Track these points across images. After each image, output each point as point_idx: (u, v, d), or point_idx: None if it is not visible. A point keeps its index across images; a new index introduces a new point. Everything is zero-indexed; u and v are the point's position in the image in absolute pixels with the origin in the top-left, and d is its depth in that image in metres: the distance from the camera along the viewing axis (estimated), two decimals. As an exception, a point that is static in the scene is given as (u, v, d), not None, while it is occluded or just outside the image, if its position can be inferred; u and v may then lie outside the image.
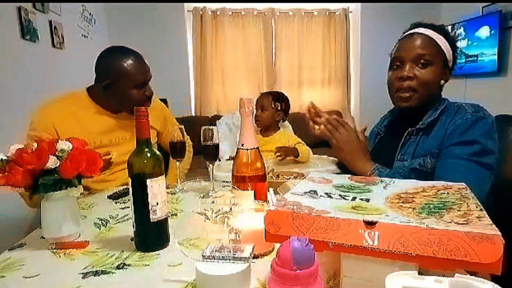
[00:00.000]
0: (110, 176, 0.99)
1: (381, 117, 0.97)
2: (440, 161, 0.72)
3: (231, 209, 0.49)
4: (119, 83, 0.95)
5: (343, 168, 0.96)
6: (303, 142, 1.42)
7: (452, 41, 0.77)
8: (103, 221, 0.70)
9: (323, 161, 1.33)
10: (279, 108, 1.55)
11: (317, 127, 0.81)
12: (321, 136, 0.80)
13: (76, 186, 0.59)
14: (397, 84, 0.76)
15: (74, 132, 0.93)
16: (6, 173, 0.54)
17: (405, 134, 0.79)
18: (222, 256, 0.43)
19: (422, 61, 0.74)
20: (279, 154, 1.31)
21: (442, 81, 0.77)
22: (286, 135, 1.52)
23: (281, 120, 1.59)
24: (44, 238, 0.60)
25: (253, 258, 0.48)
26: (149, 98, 1.01)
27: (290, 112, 1.63)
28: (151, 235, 0.56)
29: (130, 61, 0.95)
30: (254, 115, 1.50)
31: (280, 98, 1.57)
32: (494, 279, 0.34)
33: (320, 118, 0.80)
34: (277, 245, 0.38)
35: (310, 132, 0.82)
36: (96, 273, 0.49)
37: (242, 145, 0.62)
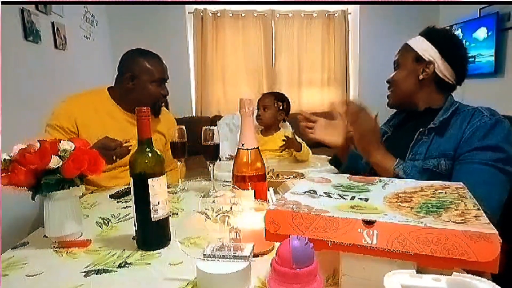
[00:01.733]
0: (121, 174, 1.01)
1: (390, 116, 0.96)
2: (461, 165, 0.70)
3: (231, 208, 0.49)
4: (140, 76, 1.04)
5: (337, 164, 0.96)
6: (303, 142, 1.43)
7: (436, 37, 0.79)
8: (105, 220, 0.71)
9: (323, 161, 1.34)
10: (280, 107, 1.57)
11: (310, 130, 0.85)
12: (317, 138, 0.84)
13: (78, 186, 0.60)
14: None
15: (92, 125, 0.99)
16: (9, 173, 0.55)
17: (417, 134, 0.78)
18: (223, 255, 0.44)
19: (395, 65, 0.85)
20: (283, 144, 1.36)
21: (420, 76, 0.79)
22: (287, 133, 1.54)
23: (282, 120, 1.61)
24: (47, 237, 0.60)
25: (253, 256, 0.48)
26: (164, 96, 1.08)
27: (290, 112, 1.66)
28: (152, 234, 0.56)
29: (151, 59, 1.07)
30: (256, 114, 1.51)
31: (282, 98, 1.59)
32: (494, 279, 0.35)
33: (313, 122, 0.84)
34: (277, 244, 0.38)
35: (306, 137, 0.88)
36: (98, 272, 0.49)
37: (243, 145, 0.63)
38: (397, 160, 0.74)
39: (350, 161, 0.92)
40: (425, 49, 0.79)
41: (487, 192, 0.64)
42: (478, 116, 0.72)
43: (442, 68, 0.78)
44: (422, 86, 0.80)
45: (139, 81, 1.04)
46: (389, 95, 0.86)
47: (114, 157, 0.89)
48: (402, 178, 0.68)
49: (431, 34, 0.80)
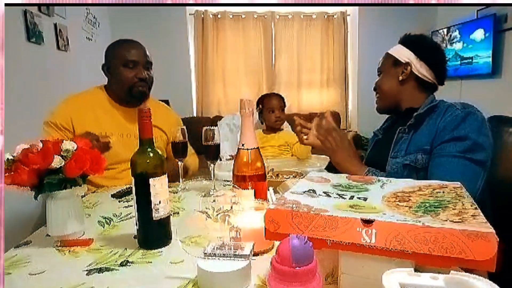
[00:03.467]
0: (119, 175, 1.01)
1: (384, 121, 1.00)
2: (434, 159, 0.74)
3: (231, 207, 0.50)
4: (112, 62, 1.03)
5: (333, 171, 0.98)
6: None
7: (409, 41, 0.85)
8: (106, 219, 0.71)
9: (322, 161, 1.34)
10: (284, 107, 1.62)
11: (305, 136, 0.88)
12: (312, 143, 0.87)
13: (80, 185, 0.60)
14: None
15: (87, 122, 0.99)
16: (12, 173, 0.55)
17: (397, 132, 0.83)
18: (223, 254, 0.44)
19: (378, 72, 0.91)
20: (285, 141, 1.44)
21: (400, 77, 0.84)
22: (288, 133, 1.57)
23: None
24: (49, 236, 0.61)
25: (253, 255, 0.49)
26: (141, 80, 1.02)
27: (289, 113, 1.71)
28: (153, 233, 0.57)
29: (122, 42, 1.05)
30: (274, 116, 1.55)
31: (283, 98, 1.65)
32: (490, 277, 0.35)
33: (308, 128, 0.88)
34: (277, 243, 0.39)
35: (300, 141, 0.90)
36: (100, 270, 0.50)
37: (243, 145, 0.63)
38: (367, 169, 0.80)
39: None
40: (401, 53, 0.85)
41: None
42: (450, 110, 0.76)
43: (419, 68, 0.82)
44: (403, 86, 0.85)
45: (112, 68, 1.02)
46: (376, 101, 0.91)
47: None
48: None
49: (406, 40, 0.86)
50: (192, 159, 1.14)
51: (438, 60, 0.84)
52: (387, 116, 0.98)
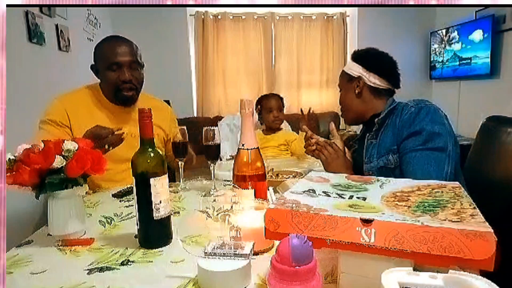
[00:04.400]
0: (117, 176, 1.00)
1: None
2: (402, 158, 0.79)
3: (232, 207, 0.50)
4: (98, 65, 1.00)
5: None
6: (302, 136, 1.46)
7: (356, 57, 0.92)
8: (108, 219, 0.72)
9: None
10: (284, 106, 1.64)
11: (310, 147, 0.95)
12: (313, 155, 0.93)
13: (81, 185, 0.61)
14: None
15: (82, 118, 0.97)
16: (14, 172, 0.56)
17: (366, 139, 0.89)
18: (223, 253, 0.44)
19: (339, 90, 0.98)
20: (285, 140, 1.47)
21: (356, 90, 0.90)
22: (287, 132, 1.59)
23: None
24: (51, 235, 0.61)
25: (253, 254, 0.49)
26: (125, 82, 0.97)
27: (289, 113, 1.73)
28: (154, 233, 0.57)
29: (105, 42, 0.99)
30: (273, 116, 1.56)
31: (282, 99, 1.66)
32: (489, 276, 0.35)
33: (312, 140, 0.94)
34: (277, 242, 0.39)
35: (306, 151, 0.97)
36: (101, 269, 0.50)
37: (243, 145, 0.64)
38: None
39: None
40: (353, 68, 0.91)
41: (426, 174, 0.71)
42: (406, 109, 0.81)
43: (370, 78, 0.89)
44: (361, 98, 0.91)
45: (100, 71, 0.99)
46: (341, 115, 0.98)
47: (106, 146, 0.87)
48: None
49: (355, 56, 0.93)
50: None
51: (386, 68, 0.90)
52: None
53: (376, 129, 0.86)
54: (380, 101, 0.90)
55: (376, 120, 0.86)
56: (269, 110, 1.58)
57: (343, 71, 0.96)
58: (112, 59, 0.96)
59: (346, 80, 0.93)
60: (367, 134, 0.90)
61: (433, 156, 0.73)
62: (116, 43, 0.98)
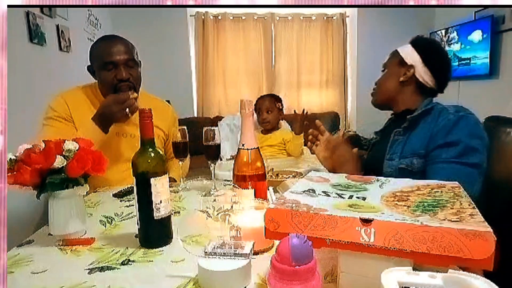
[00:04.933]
0: (115, 176, 1.00)
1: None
2: (429, 166, 0.74)
3: (232, 207, 0.50)
4: (94, 65, 0.99)
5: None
6: (302, 138, 1.46)
7: (420, 44, 0.85)
8: (108, 219, 0.72)
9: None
10: (280, 107, 1.62)
11: (314, 146, 0.92)
12: (318, 155, 0.91)
13: (82, 185, 0.61)
14: None
15: (84, 119, 0.96)
16: (15, 172, 0.56)
17: (393, 134, 0.84)
18: (224, 253, 0.45)
19: (383, 68, 0.91)
20: (283, 139, 1.45)
21: (401, 78, 0.84)
22: (284, 131, 1.59)
23: (281, 119, 1.66)
24: (52, 235, 0.61)
25: (253, 254, 0.49)
26: (121, 81, 0.96)
27: (289, 113, 1.71)
28: (155, 232, 0.57)
29: (100, 43, 0.98)
30: (260, 118, 1.56)
31: (279, 99, 1.66)
32: (487, 275, 0.35)
33: (318, 140, 0.91)
34: (277, 242, 0.39)
35: (311, 152, 0.94)
36: (101, 269, 0.50)
37: (243, 145, 0.64)
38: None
39: None
40: (409, 54, 0.84)
41: None
42: (444, 114, 0.76)
43: (421, 72, 0.83)
44: (402, 87, 0.85)
45: (96, 71, 0.98)
46: (372, 93, 0.92)
47: (127, 110, 0.90)
48: None
49: (416, 42, 0.86)
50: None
51: (443, 69, 0.84)
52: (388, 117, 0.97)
53: (406, 126, 0.80)
54: (418, 98, 0.84)
55: (408, 117, 0.80)
56: (258, 111, 1.59)
57: (396, 51, 0.87)
58: (108, 58, 0.95)
59: (397, 62, 0.86)
60: (395, 130, 0.83)
61: (466, 171, 0.69)
62: (110, 43, 0.97)
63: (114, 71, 0.96)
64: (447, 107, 0.78)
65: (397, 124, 0.85)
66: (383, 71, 0.90)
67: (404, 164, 0.77)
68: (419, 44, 0.85)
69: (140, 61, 1.03)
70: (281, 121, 1.67)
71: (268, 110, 1.58)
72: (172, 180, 1.01)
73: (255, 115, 1.60)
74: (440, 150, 0.73)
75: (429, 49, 0.84)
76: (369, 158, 0.95)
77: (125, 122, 1.03)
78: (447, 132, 0.73)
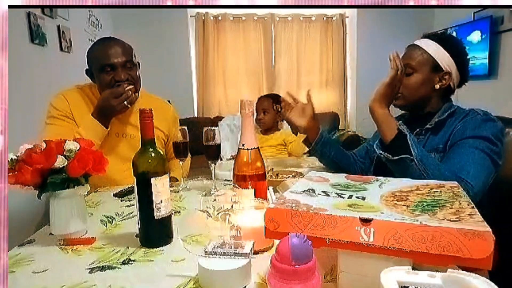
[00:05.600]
0: (116, 175, 1.01)
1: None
2: (453, 149, 0.73)
3: (232, 206, 0.50)
4: (92, 68, 0.99)
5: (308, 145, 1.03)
6: (300, 138, 1.46)
7: (452, 46, 0.80)
8: (109, 218, 0.72)
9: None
10: (279, 109, 1.61)
11: (288, 109, 1.00)
12: (288, 118, 1.00)
13: (83, 185, 0.61)
14: None
15: (84, 116, 0.97)
16: (16, 172, 0.56)
17: (414, 134, 0.81)
18: (224, 252, 0.45)
19: (408, 69, 0.80)
20: (283, 139, 1.45)
21: (437, 85, 0.80)
22: (286, 133, 1.58)
23: (281, 120, 1.66)
24: (53, 234, 0.62)
25: (254, 254, 0.49)
26: (117, 82, 0.95)
27: None
28: (155, 232, 0.58)
29: (96, 46, 0.98)
30: (256, 118, 1.55)
31: (279, 100, 1.64)
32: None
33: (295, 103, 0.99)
34: (277, 242, 0.39)
35: (283, 114, 1.02)
36: (102, 268, 0.50)
37: (243, 145, 0.64)
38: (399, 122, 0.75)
39: (321, 146, 0.98)
40: (443, 58, 0.78)
41: (477, 172, 0.67)
42: (472, 114, 0.76)
43: (455, 77, 0.80)
44: (436, 92, 0.81)
45: (95, 74, 0.98)
46: (397, 95, 0.82)
47: (126, 103, 0.91)
48: (407, 138, 0.69)
49: (446, 41, 0.79)
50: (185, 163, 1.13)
51: (467, 68, 0.81)
52: (399, 115, 0.95)
53: (429, 128, 0.79)
54: (441, 99, 0.82)
55: (436, 120, 0.79)
56: (257, 111, 1.59)
57: (428, 54, 0.79)
58: (105, 61, 0.94)
59: (430, 66, 0.79)
60: (417, 129, 0.81)
61: (489, 163, 0.69)
62: (107, 45, 0.96)
63: (113, 73, 0.96)
64: (476, 110, 0.77)
65: (415, 124, 0.82)
66: (409, 72, 0.80)
67: (434, 157, 0.75)
68: (450, 45, 0.79)
69: (138, 63, 1.03)
70: (281, 122, 1.67)
71: (264, 111, 1.58)
72: (173, 180, 1.01)
73: (255, 115, 1.60)
74: (469, 140, 0.71)
75: (460, 51, 0.80)
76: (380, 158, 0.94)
77: (125, 122, 1.03)
78: (475, 127, 0.72)
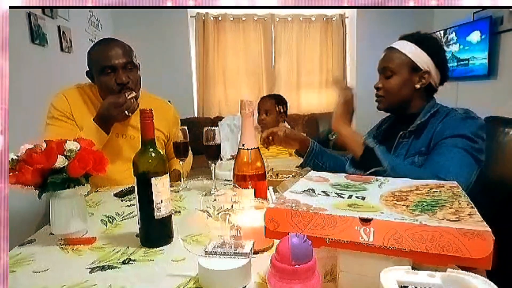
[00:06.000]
0: (117, 175, 1.01)
1: (379, 121, 0.99)
2: (434, 150, 0.74)
3: (232, 206, 0.51)
4: (92, 70, 0.99)
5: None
6: None
7: (428, 45, 0.80)
8: (109, 218, 0.72)
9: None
10: (281, 110, 1.61)
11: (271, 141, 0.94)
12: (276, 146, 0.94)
13: (83, 185, 0.61)
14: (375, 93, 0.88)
15: (85, 118, 0.97)
16: (17, 172, 0.56)
17: (398, 137, 0.83)
18: (224, 252, 0.45)
19: (387, 72, 0.82)
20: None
21: (417, 85, 0.80)
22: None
23: (283, 121, 1.64)
24: (53, 234, 0.62)
25: (254, 253, 0.49)
26: (121, 84, 0.95)
27: (288, 113, 1.70)
28: (155, 232, 0.58)
29: (97, 47, 0.98)
30: (258, 119, 1.55)
31: (281, 101, 1.63)
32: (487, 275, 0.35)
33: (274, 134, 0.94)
34: (277, 241, 0.39)
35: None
36: (102, 268, 0.50)
37: (243, 145, 0.64)
38: (365, 135, 0.78)
39: (313, 158, 0.95)
40: (421, 58, 0.79)
41: (457, 170, 0.68)
42: (451, 114, 0.77)
43: (434, 76, 0.80)
44: (416, 93, 0.81)
45: (95, 77, 0.98)
46: (379, 100, 0.85)
47: (127, 112, 0.91)
48: (377, 155, 0.71)
49: (423, 41, 0.80)
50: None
51: (446, 63, 0.82)
52: (383, 117, 0.97)
53: (412, 130, 0.80)
54: (423, 99, 0.82)
55: (417, 123, 0.79)
56: (259, 112, 1.58)
57: (405, 55, 0.79)
58: (106, 62, 0.94)
59: (409, 68, 0.79)
60: (401, 132, 0.82)
61: (469, 160, 0.70)
62: (108, 46, 0.96)
63: (113, 75, 0.95)
64: (456, 109, 0.78)
65: (400, 126, 0.83)
66: (386, 74, 0.82)
67: (407, 163, 0.78)
68: (426, 44, 0.79)
69: (139, 64, 1.03)
70: (283, 123, 1.66)
71: (266, 112, 1.58)
72: (176, 172, 1.02)
73: (256, 115, 1.60)
74: (449, 139, 0.72)
75: (437, 49, 0.81)
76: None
77: (125, 124, 1.03)
78: (455, 126, 0.73)
